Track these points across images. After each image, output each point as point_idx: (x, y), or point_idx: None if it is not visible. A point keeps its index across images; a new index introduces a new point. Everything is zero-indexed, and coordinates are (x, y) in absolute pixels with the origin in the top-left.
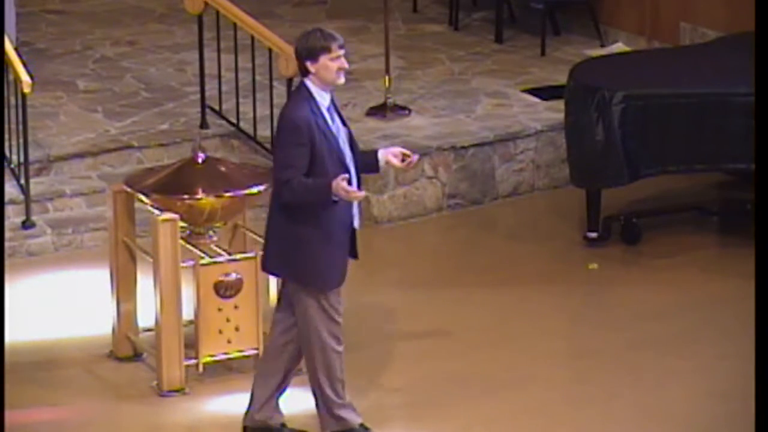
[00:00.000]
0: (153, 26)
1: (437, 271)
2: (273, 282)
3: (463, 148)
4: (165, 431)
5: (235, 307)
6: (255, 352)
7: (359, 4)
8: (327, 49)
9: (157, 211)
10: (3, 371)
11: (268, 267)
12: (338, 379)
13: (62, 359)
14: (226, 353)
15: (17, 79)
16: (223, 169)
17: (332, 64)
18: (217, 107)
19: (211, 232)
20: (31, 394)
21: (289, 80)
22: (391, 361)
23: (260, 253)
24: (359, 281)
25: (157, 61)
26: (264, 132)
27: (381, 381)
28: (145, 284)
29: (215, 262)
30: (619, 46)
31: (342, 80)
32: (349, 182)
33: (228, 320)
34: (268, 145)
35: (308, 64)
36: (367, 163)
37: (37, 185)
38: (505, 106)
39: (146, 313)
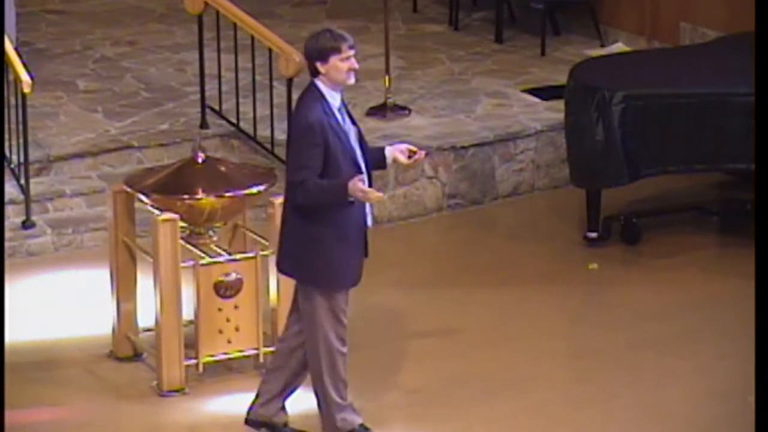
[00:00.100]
0: (153, 26)
1: (437, 271)
2: (273, 282)
3: (463, 148)
4: (165, 431)
5: (235, 307)
6: (255, 352)
7: (359, 4)
8: (337, 50)
9: (157, 211)
10: (3, 371)
11: (282, 268)
12: (341, 379)
13: (62, 359)
14: (226, 353)
15: (17, 79)
16: (223, 169)
17: (342, 65)
18: (217, 107)
19: (211, 232)
20: (31, 394)
21: (289, 80)
22: (391, 361)
23: (261, 253)
24: None
25: (157, 61)
26: (264, 132)
27: (381, 381)
28: (145, 284)
29: (215, 262)
30: (619, 46)
31: (352, 80)
32: (365, 182)
33: (228, 320)
34: (268, 145)
35: (318, 64)
36: (375, 160)
37: (37, 185)
38: (505, 106)
39: (146, 313)
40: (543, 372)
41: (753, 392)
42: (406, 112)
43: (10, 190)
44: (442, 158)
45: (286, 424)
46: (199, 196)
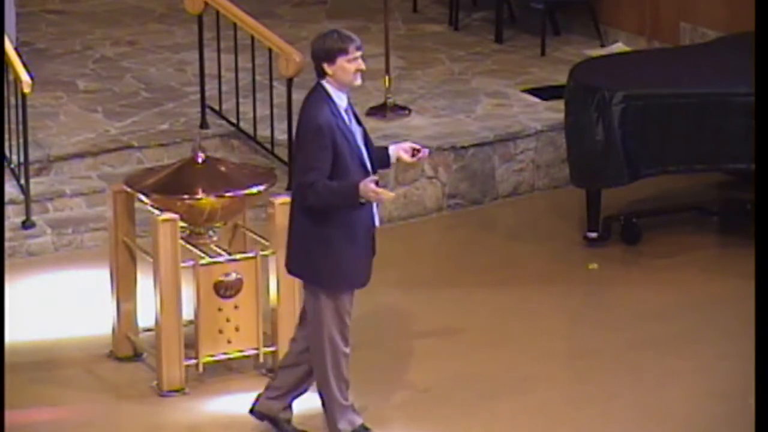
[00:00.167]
0: (153, 26)
1: (437, 271)
2: (273, 282)
3: (463, 148)
4: (165, 431)
5: (235, 307)
6: (255, 352)
7: (359, 4)
8: (344, 51)
9: (157, 211)
10: (3, 371)
11: (290, 269)
12: (344, 380)
13: (62, 359)
14: (226, 353)
15: (17, 79)
16: (223, 169)
17: (349, 66)
18: (217, 107)
19: (211, 232)
20: (31, 394)
21: (289, 80)
22: (391, 361)
23: (261, 253)
24: None
25: (157, 61)
26: (264, 132)
27: (381, 381)
28: (145, 284)
29: (215, 262)
30: (619, 46)
31: (359, 82)
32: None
33: (228, 320)
34: (268, 145)
35: (325, 65)
36: (380, 159)
37: (37, 185)
38: (505, 106)
39: (146, 313)
40: (543, 372)
41: (753, 393)
42: (406, 112)
43: (10, 190)
44: (442, 158)
45: (289, 422)
46: (199, 196)
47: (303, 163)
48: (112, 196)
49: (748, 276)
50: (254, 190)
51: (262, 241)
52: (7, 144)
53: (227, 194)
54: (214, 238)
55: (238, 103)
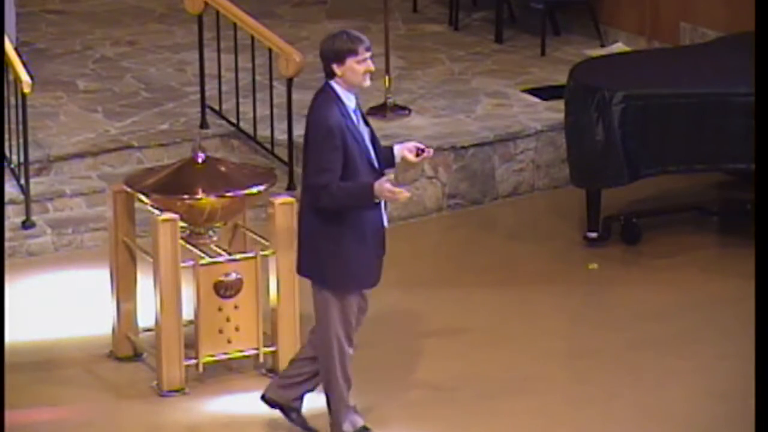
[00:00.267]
0: (153, 26)
1: (437, 271)
2: (273, 282)
3: (463, 148)
4: (165, 431)
5: (235, 307)
6: (255, 352)
7: (359, 4)
8: (354, 52)
9: (157, 211)
10: (3, 371)
11: (300, 270)
12: (349, 380)
13: (62, 359)
14: (226, 353)
15: (17, 79)
16: (223, 169)
17: (359, 67)
18: (217, 107)
19: (211, 232)
20: (31, 394)
21: (289, 80)
22: (391, 361)
23: (261, 253)
24: None
25: (157, 61)
26: (264, 132)
27: (381, 381)
28: (145, 284)
29: (215, 262)
30: (619, 46)
31: (368, 83)
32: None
33: (228, 320)
34: (268, 145)
35: (334, 66)
36: (385, 158)
37: (37, 185)
38: (505, 106)
39: (146, 313)
40: (543, 372)
41: (753, 393)
42: (406, 112)
43: (10, 190)
44: (442, 158)
45: (298, 412)
46: (199, 196)
47: (315, 164)
48: (112, 196)
49: (748, 276)
50: (254, 190)
51: (262, 241)
52: (7, 144)
53: (227, 194)
54: (214, 238)
55: (238, 103)
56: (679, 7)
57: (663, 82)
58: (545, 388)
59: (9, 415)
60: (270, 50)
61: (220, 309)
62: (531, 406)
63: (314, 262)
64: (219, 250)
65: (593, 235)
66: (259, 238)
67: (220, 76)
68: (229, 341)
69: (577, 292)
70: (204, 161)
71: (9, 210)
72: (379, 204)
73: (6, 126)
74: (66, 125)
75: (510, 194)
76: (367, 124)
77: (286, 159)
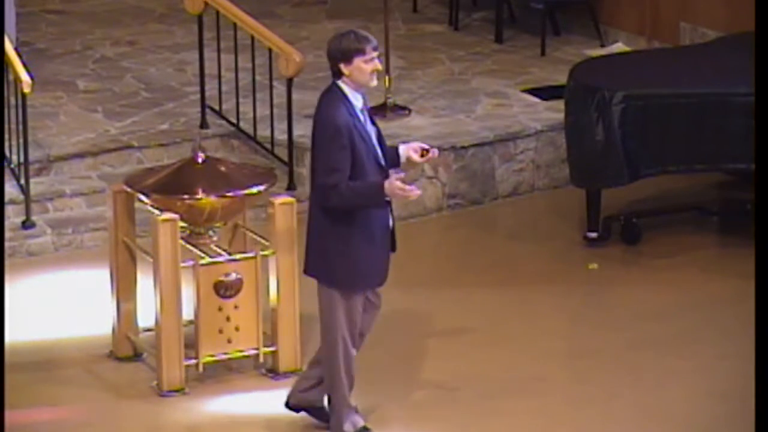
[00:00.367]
0: (153, 26)
1: (437, 271)
2: (273, 282)
3: (463, 148)
4: (165, 431)
5: (235, 307)
6: (255, 352)
7: (359, 4)
8: (361, 51)
9: (157, 211)
10: (3, 371)
11: (307, 269)
12: (351, 381)
13: (62, 359)
14: (226, 353)
15: (17, 79)
16: (223, 169)
17: (366, 66)
18: (217, 107)
19: (211, 232)
20: (31, 394)
21: (289, 80)
22: (390, 361)
23: (261, 253)
24: None
25: (157, 61)
26: (264, 132)
27: (381, 381)
28: (145, 284)
29: (215, 262)
30: (619, 46)
31: (375, 82)
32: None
33: (228, 320)
34: (268, 145)
35: (342, 66)
36: (391, 158)
37: (37, 185)
38: (505, 106)
39: (146, 313)
40: (543, 372)
41: (753, 393)
42: (406, 112)
43: (10, 190)
44: (442, 158)
45: (322, 409)
46: (199, 196)
47: (323, 164)
48: (112, 196)
49: (748, 276)
50: (254, 190)
51: (262, 241)
52: (7, 144)
53: (227, 194)
54: (214, 238)
55: (238, 103)
56: (679, 7)
57: (663, 82)
58: (545, 388)
59: (9, 415)
60: (270, 50)
61: (220, 309)
62: (531, 406)
63: (322, 262)
64: (219, 250)
65: (593, 235)
66: (259, 238)
67: (220, 76)
68: (229, 341)
69: (577, 292)
70: (204, 161)
71: (9, 210)
72: (388, 203)
73: (6, 126)
74: (66, 125)
75: (510, 194)
76: (374, 123)
77: (286, 159)
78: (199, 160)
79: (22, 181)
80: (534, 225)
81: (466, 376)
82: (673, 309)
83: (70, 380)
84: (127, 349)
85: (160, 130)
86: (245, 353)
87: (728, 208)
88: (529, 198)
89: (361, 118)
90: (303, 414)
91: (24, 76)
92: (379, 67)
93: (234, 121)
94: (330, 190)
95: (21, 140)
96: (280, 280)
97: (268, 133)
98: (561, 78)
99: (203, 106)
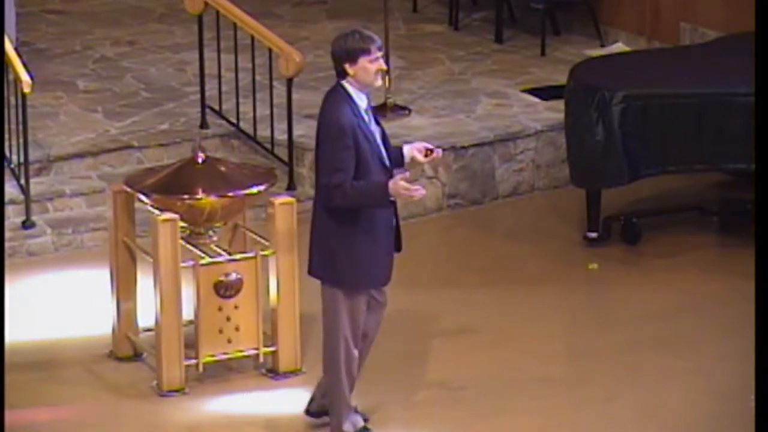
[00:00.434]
0: (153, 26)
1: (437, 271)
2: (273, 282)
3: (463, 148)
4: (165, 431)
5: (235, 307)
6: (255, 352)
7: (359, 4)
8: (366, 51)
9: (157, 211)
10: (3, 371)
11: (311, 269)
12: (353, 381)
13: (62, 359)
14: (226, 353)
15: (17, 79)
16: (223, 169)
17: (371, 66)
18: (217, 107)
19: (211, 232)
20: (31, 394)
21: (289, 80)
22: (390, 361)
23: (261, 253)
24: None
25: (157, 61)
26: (264, 132)
27: (381, 381)
28: (145, 284)
29: (215, 262)
30: (619, 46)
31: (380, 82)
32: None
33: (228, 320)
34: (268, 145)
35: (347, 66)
36: (395, 159)
37: (37, 185)
38: (505, 106)
39: (146, 313)
40: (543, 372)
41: (753, 392)
42: (406, 112)
43: (10, 190)
44: (442, 158)
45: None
46: (199, 196)
47: (327, 164)
48: (112, 196)
49: (748, 276)
50: (254, 190)
51: (262, 241)
52: (7, 144)
53: (227, 194)
54: (214, 238)
55: (238, 103)
56: (679, 7)
57: (663, 82)
58: (546, 388)
59: (9, 415)
60: (270, 50)
61: (220, 309)
62: (531, 406)
63: (326, 262)
64: (219, 250)
65: (593, 235)
66: (259, 238)
67: (220, 76)
68: (229, 341)
69: (577, 292)
70: (204, 161)
71: (9, 210)
72: (392, 203)
73: (6, 126)
74: (66, 125)
75: (510, 194)
76: (378, 124)
77: (286, 159)
78: (199, 160)
79: (22, 181)
80: (534, 225)
81: (466, 376)
82: (673, 309)
83: (70, 380)
84: (127, 349)
85: (160, 130)
86: (245, 353)
87: (728, 208)
88: (529, 198)
89: (366, 118)
90: (304, 414)
91: (24, 76)
92: (384, 66)
93: (234, 121)
94: (334, 190)
95: (21, 140)
96: (280, 280)
97: (268, 133)
98: (561, 78)
99: (203, 106)
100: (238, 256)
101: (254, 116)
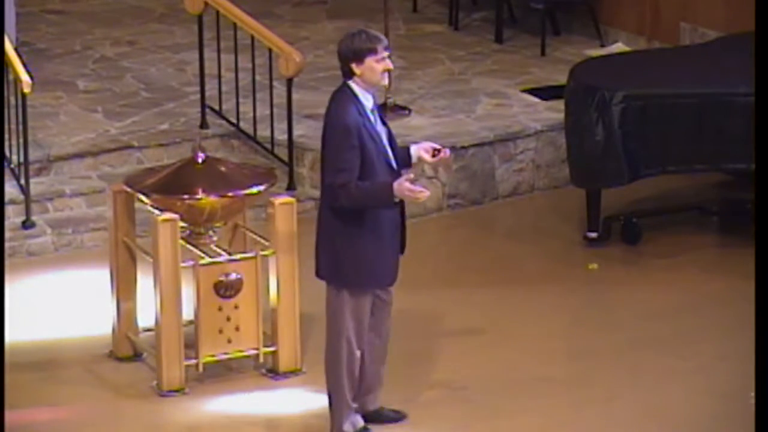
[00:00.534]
0: (153, 26)
1: (437, 271)
2: (273, 282)
3: (463, 148)
4: (165, 431)
5: (235, 307)
6: (255, 352)
7: (359, 4)
8: (373, 51)
9: (157, 211)
10: (3, 371)
11: (318, 270)
12: (355, 382)
13: (62, 359)
14: (226, 353)
15: (17, 79)
16: (223, 169)
17: (377, 66)
18: (217, 107)
19: (211, 232)
20: (31, 394)
21: (289, 80)
22: (390, 361)
23: (261, 253)
24: None
25: (157, 61)
26: (264, 132)
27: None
28: (145, 284)
29: (215, 262)
30: (619, 46)
31: (386, 81)
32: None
33: (228, 320)
34: (268, 145)
35: (353, 65)
36: (402, 159)
37: (37, 185)
38: (505, 106)
39: (146, 313)
40: (543, 372)
41: (753, 392)
42: (406, 112)
43: (10, 190)
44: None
45: (382, 408)
46: (199, 196)
47: (332, 164)
48: (112, 196)
49: (748, 276)
50: (254, 190)
51: (262, 241)
52: (7, 144)
53: (227, 194)
54: (214, 238)
55: (238, 103)
56: (679, 7)
57: (663, 82)
58: (546, 388)
59: (9, 415)
60: (270, 50)
61: (220, 309)
62: (531, 406)
63: (331, 262)
64: (219, 250)
65: (593, 235)
66: (259, 238)
67: (220, 76)
68: (229, 341)
69: (577, 292)
70: (204, 161)
71: (9, 210)
72: (398, 204)
73: (6, 126)
74: (66, 125)
75: (510, 194)
76: (384, 124)
77: (286, 159)
78: (199, 160)
79: (22, 181)
80: (534, 225)
81: (466, 376)
82: (673, 309)
83: (70, 380)
84: (127, 349)
85: (160, 130)
86: (245, 353)
87: (728, 208)
88: (529, 198)
89: (372, 118)
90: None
91: (24, 76)
92: (391, 66)
93: (234, 121)
94: (338, 190)
95: (21, 140)
96: (280, 280)
97: (268, 133)
98: (561, 78)
99: (203, 106)
100: (238, 256)
101: (254, 116)
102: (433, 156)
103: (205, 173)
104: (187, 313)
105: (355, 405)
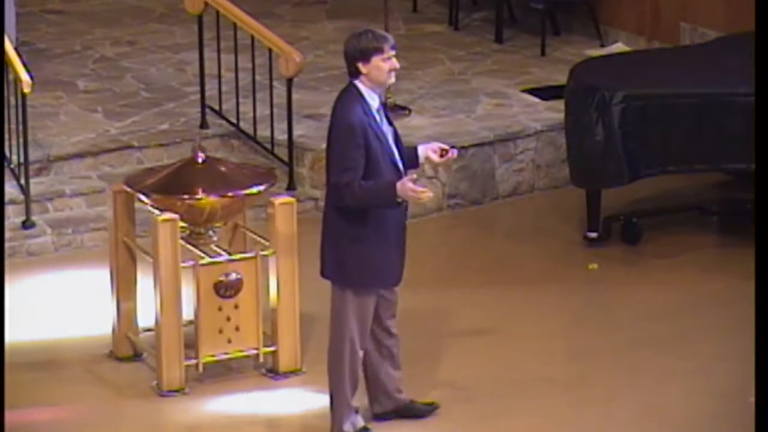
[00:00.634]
0: (153, 26)
1: (437, 271)
2: (273, 282)
3: (463, 148)
4: (165, 431)
5: (235, 307)
6: (255, 352)
7: (359, 4)
8: (380, 50)
9: (157, 211)
10: (3, 371)
11: (323, 270)
12: (356, 382)
13: (62, 359)
14: (226, 353)
15: (17, 79)
16: (223, 169)
17: (384, 65)
18: (217, 107)
19: (211, 232)
20: (31, 394)
21: (289, 80)
22: None
23: (261, 253)
24: None
25: (157, 61)
26: (264, 132)
27: None
28: (145, 284)
29: (215, 262)
30: (619, 46)
31: (392, 80)
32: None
33: (228, 320)
34: (268, 145)
35: (360, 65)
36: (409, 159)
37: (37, 185)
38: (505, 106)
39: (146, 313)
40: (543, 372)
41: (753, 392)
42: (406, 112)
43: (10, 190)
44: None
45: (413, 401)
46: (199, 196)
47: (337, 163)
48: (112, 196)
49: (748, 276)
50: (254, 190)
51: (262, 241)
52: (7, 144)
53: (227, 194)
54: (214, 238)
55: (238, 103)
56: (679, 7)
57: (663, 82)
58: (545, 388)
59: (9, 415)
60: (270, 50)
61: (220, 309)
62: (531, 406)
63: (336, 262)
64: (219, 250)
65: (593, 235)
66: (259, 238)
67: (220, 76)
68: (229, 341)
69: (577, 292)
70: (204, 161)
71: (9, 210)
72: (402, 204)
73: (6, 126)
74: (66, 125)
75: (510, 194)
76: (390, 124)
77: (286, 159)
78: (199, 160)
79: (22, 181)
80: (534, 225)
81: (466, 376)
82: (673, 309)
83: (70, 380)
84: (127, 349)
85: (160, 130)
86: (245, 353)
87: (728, 208)
88: (529, 198)
89: (377, 118)
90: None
91: (24, 76)
92: (397, 65)
93: (234, 121)
94: (343, 189)
95: (21, 140)
96: (280, 280)
97: (268, 133)
98: (561, 78)
99: (203, 106)
100: (238, 256)
101: (254, 116)
102: (441, 156)
103: (205, 173)
104: (187, 313)
105: (355, 405)
